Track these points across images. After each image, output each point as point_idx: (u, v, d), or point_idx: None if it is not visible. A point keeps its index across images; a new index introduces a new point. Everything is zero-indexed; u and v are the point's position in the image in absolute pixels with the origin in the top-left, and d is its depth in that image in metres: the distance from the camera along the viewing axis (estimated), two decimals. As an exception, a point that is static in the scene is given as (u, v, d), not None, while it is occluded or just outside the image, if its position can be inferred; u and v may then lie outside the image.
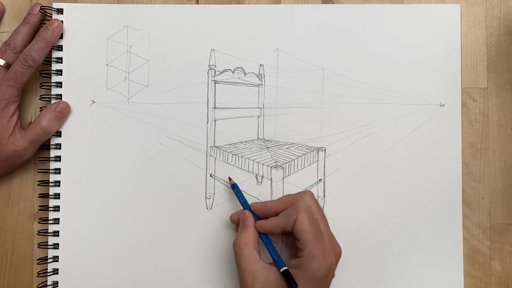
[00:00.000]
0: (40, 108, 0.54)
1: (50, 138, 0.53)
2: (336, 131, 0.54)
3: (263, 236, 0.48)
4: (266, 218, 0.49)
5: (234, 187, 0.52)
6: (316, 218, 0.46)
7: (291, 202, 0.47)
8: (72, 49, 0.54)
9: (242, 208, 0.51)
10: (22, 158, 0.51)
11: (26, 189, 0.54)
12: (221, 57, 0.54)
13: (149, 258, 0.53)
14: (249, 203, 0.50)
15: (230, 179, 0.52)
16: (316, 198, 0.53)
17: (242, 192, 0.51)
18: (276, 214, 0.48)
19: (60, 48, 0.53)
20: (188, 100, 0.54)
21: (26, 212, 0.54)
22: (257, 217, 0.49)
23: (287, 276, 0.44)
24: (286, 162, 0.51)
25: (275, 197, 0.52)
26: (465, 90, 0.54)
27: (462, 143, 0.54)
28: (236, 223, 0.50)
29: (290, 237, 0.48)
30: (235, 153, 0.52)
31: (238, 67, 0.54)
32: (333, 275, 0.47)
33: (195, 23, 0.54)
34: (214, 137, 0.54)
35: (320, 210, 0.47)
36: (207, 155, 0.53)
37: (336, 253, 0.46)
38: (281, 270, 0.45)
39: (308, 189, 0.52)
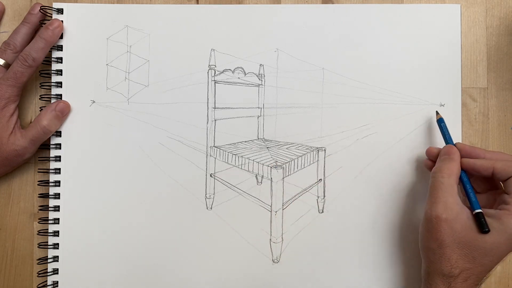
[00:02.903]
0: (40, 107, 0.54)
1: (50, 138, 0.53)
2: (336, 131, 0.54)
3: (463, 176, 0.47)
4: None
5: (441, 121, 0.50)
6: None
7: (507, 157, 0.46)
8: (72, 49, 0.54)
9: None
10: (22, 157, 0.51)
11: (26, 189, 0.54)
12: (221, 57, 0.54)
13: (149, 258, 0.53)
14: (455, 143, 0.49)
15: (437, 113, 0.51)
16: (316, 197, 0.53)
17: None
18: None
19: (60, 48, 0.53)
20: (188, 100, 0.54)
21: (26, 212, 0.54)
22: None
23: (480, 218, 0.43)
24: (286, 162, 0.51)
25: (275, 197, 0.52)
26: (465, 90, 0.54)
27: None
28: (432, 156, 0.49)
29: (483, 195, 0.47)
30: (235, 153, 0.52)
31: (238, 67, 0.54)
32: None
33: (195, 23, 0.54)
34: (214, 137, 0.54)
35: None
36: (207, 155, 0.53)
37: None
38: (475, 211, 0.43)
39: (308, 189, 0.53)
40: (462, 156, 0.48)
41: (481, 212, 0.44)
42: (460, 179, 0.47)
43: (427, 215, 0.45)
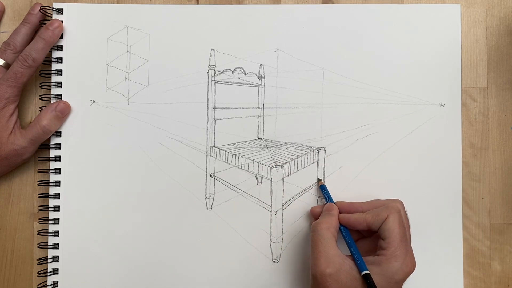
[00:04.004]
0: (40, 107, 0.54)
1: (50, 138, 0.53)
2: (336, 131, 0.54)
3: (345, 232, 0.48)
4: None
5: (322, 188, 0.52)
6: (404, 223, 0.47)
7: (380, 205, 0.48)
8: (72, 49, 0.54)
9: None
10: (21, 157, 0.51)
11: (26, 189, 0.54)
12: (221, 57, 0.54)
13: (149, 257, 0.53)
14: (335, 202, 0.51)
15: (319, 179, 0.53)
16: (316, 197, 0.53)
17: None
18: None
19: (60, 48, 0.53)
20: (188, 100, 0.54)
21: (26, 212, 0.54)
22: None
23: (368, 280, 0.44)
24: (286, 162, 0.51)
25: (275, 197, 0.52)
26: (465, 90, 0.54)
27: (462, 143, 0.54)
28: (316, 215, 0.51)
29: (367, 239, 0.49)
30: (235, 153, 0.52)
31: (238, 67, 0.54)
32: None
33: (195, 23, 0.54)
34: (214, 137, 0.54)
35: (407, 220, 0.48)
36: (207, 155, 0.53)
37: (413, 265, 0.46)
38: (363, 273, 0.44)
39: (308, 189, 0.53)
40: (341, 212, 0.49)
41: (368, 273, 0.44)
42: (343, 236, 0.48)
43: (312, 271, 0.45)
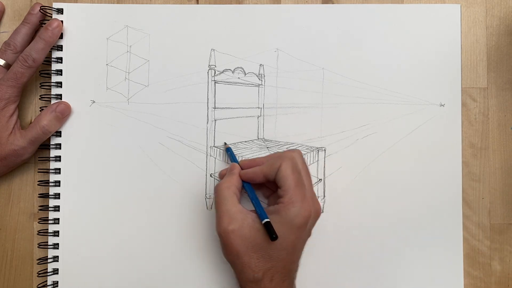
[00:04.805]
0: (40, 108, 0.54)
1: (50, 138, 0.53)
2: (336, 131, 0.54)
3: (247, 187, 0.49)
4: None
5: (228, 150, 0.52)
6: (299, 169, 0.47)
7: (277, 156, 0.48)
8: (72, 49, 0.54)
9: None
10: (21, 157, 0.51)
11: (26, 189, 0.54)
12: (221, 57, 0.54)
13: (149, 258, 0.53)
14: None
15: (225, 143, 0.53)
16: (317, 197, 0.53)
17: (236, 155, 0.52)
18: None
19: (60, 48, 0.53)
20: (188, 100, 0.54)
21: (26, 212, 0.54)
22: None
23: (268, 227, 0.44)
24: (286, 162, 0.51)
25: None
26: (465, 90, 0.54)
27: (462, 143, 0.54)
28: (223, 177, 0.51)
29: (273, 195, 0.49)
30: (235, 153, 0.52)
31: (238, 67, 0.54)
32: (309, 234, 0.47)
33: (195, 23, 0.54)
34: (214, 137, 0.54)
35: (306, 166, 0.48)
36: (207, 155, 0.53)
37: (315, 209, 0.46)
38: (263, 221, 0.45)
39: None
40: (244, 170, 0.49)
41: (268, 221, 0.44)
42: (246, 192, 0.48)
43: (217, 231, 0.46)
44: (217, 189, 0.47)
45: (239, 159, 0.51)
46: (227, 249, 0.45)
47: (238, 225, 0.45)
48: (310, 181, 0.48)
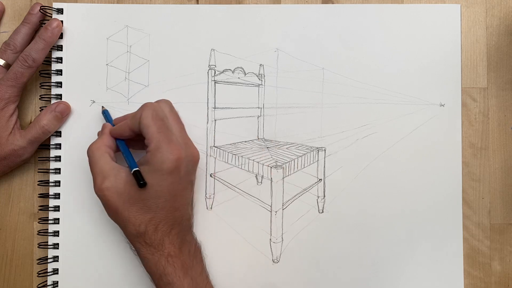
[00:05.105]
0: (40, 108, 0.54)
1: (50, 138, 0.53)
2: (336, 131, 0.54)
3: (120, 143, 0.49)
4: None
5: (104, 112, 0.52)
6: (162, 116, 0.47)
7: (141, 107, 0.48)
8: (72, 49, 0.54)
9: None
10: (20, 157, 0.51)
11: (26, 189, 0.54)
12: (221, 57, 0.54)
13: (149, 258, 0.53)
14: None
15: (102, 107, 0.53)
16: (316, 197, 0.53)
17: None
18: None
19: (60, 48, 0.53)
20: (188, 100, 0.54)
21: (26, 212, 0.54)
22: None
23: (136, 175, 0.44)
24: (286, 162, 0.51)
25: (275, 197, 0.52)
26: (465, 90, 0.54)
27: (462, 143, 0.54)
28: None
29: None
30: (235, 153, 0.52)
31: (238, 67, 0.54)
32: (189, 180, 0.47)
33: (195, 23, 0.54)
34: (214, 137, 0.54)
35: (174, 113, 0.49)
36: (207, 155, 0.53)
37: (188, 153, 0.46)
38: (132, 171, 0.45)
39: (308, 189, 0.53)
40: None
41: (136, 170, 0.44)
42: (118, 148, 0.49)
43: (95, 192, 0.46)
44: (88, 152, 0.47)
45: (239, 159, 0.51)
46: (106, 208, 0.46)
47: (112, 182, 0.45)
48: (181, 127, 0.48)
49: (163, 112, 0.47)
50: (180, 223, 0.47)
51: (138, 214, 0.45)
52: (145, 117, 0.46)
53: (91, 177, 0.52)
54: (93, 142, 0.48)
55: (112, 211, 0.46)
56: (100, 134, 0.50)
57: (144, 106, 0.47)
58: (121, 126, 0.48)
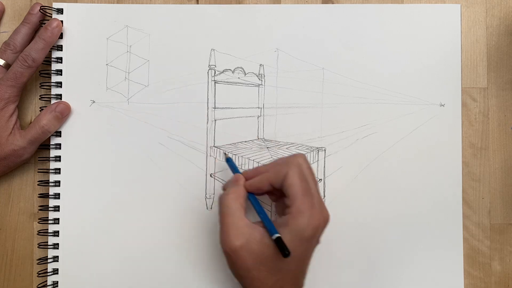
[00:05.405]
0: (40, 108, 0.54)
1: (50, 138, 0.53)
2: (336, 131, 0.54)
3: (252, 198, 0.46)
4: None
5: (228, 160, 0.49)
6: (306, 176, 0.44)
7: (282, 162, 0.45)
8: (72, 49, 0.54)
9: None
10: (20, 157, 0.51)
11: (26, 189, 0.54)
12: (221, 57, 0.54)
13: (149, 258, 0.53)
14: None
15: (225, 153, 0.51)
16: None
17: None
18: None
19: (60, 48, 0.53)
20: (188, 100, 0.54)
21: (26, 212, 0.54)
22: None
23: (280, 244, 0.42)
24: (286, 162, 0.51)
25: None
26: (465, 90, 0.54)
27: (462, 143, 0.54)
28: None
29: (279, 200, 0.47)
30: (235, 153, 0.52)
31: (238, 67, 0.54)
32: (318, 241, 0.45)
33: (195, 23, 0.54)
34: (214, 137, 0.54)
35: (312, 172, 0.45)
36: (207, 155, 0.53)
37: (324, 217, 0.44)
38: (274, 237, 0.42)
39: None
40: (247, 180, 0.47)
41: (279, 237, 0.42)
42: (252, 204, 0.46)
43: (222, 248, 0.43)
44: (222, 201, 0.44)
45: (239, 159, 0.51)
46: (236, 266, 0.43)
47: (245, 240, 0.43)
48: (318, 188, 0.45)
49: (306, 171, 0.45)
50: (300, 283, 0.45)
51: (268, 274, 0.43)
52: (291, 176, 0.43)
53: (91, 177, 0.53)
54: (229, 192, 0.45)
55: (243, 270, 0.43)
56: (231, 184, 0.46)
57: (290, 163, 0.44)
58: (261, 180, 0.45)
